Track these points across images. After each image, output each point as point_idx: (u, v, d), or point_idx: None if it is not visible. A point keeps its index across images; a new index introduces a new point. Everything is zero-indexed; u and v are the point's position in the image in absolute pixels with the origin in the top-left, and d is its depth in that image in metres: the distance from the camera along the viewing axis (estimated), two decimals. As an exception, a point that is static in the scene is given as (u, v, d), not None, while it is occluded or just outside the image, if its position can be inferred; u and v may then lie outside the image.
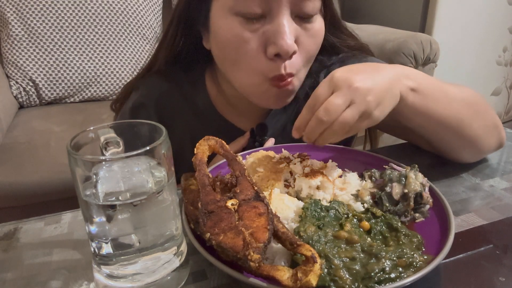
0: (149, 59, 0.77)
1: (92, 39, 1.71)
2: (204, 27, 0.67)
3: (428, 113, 0.57)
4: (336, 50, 0.76)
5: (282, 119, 0.79)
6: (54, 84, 1.69)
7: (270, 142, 0.74)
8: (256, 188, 0.45)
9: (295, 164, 0.57)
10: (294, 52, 0.61)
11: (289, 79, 0.62)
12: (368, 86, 0.50)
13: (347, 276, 0.40)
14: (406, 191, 0.50)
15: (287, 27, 0.58)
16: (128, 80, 0.82)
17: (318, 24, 0.64)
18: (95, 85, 1.74)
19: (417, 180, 0.51)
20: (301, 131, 0.54)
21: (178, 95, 0.76)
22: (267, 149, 0.64)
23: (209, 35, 0.67)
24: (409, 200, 0.49)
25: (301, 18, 0.61)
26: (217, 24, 0.62)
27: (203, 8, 0.65)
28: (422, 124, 0.59)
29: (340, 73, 0.52)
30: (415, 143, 0.75)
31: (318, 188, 0.53)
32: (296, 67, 0.63)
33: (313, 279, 0.35)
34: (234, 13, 0.59)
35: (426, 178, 0.52)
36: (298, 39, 0.61)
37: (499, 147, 0.68)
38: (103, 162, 0.39)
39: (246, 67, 0.62)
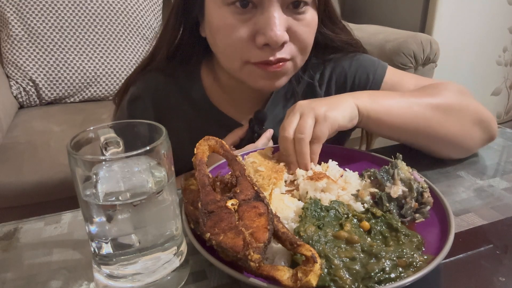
0: (149, 51, 0.78)
1: (92, 39, 1.71)
2: (200, 15, 0.69)
3: (388, 123, 0.62)
4: (329, 44, 0.77)
5: (281, 114, 0.78)
6: (54, 84, 1.69)
7: (269, 133, 0.73)
8: (256, 188, 0.45)
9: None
10: (285, 42, 0.62)
11: (280, 63, 0.64)
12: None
13: (347, 276, 0.40)
14: (403, 175, 0.50)
15: (277, 18, 0.60)
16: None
17: (310, 15, 0.66)
18: (95, 85, 1.73)
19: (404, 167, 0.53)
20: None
21: (174, 87, 0.77)
22: (276, 148, 0.63)
23: (204, 23, 0.69)
24: (411, 186, 0.50)
25: (293, 8, 0.63)
26: (210, 13, 0.65)
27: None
28: (389, 133, 0.65)
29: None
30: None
31: (323, 190, 0.53)
32: (290, 53, 0.65)
33: (313, 279, 0.35)
34: (226, 3, 0.62)
35: (408, 167, 0.53)
36: (290, 28, 0.63)
37: (489, 141, 0.69)
38: (103, 162, 0.39)
39: (234, 53, 0.65)
